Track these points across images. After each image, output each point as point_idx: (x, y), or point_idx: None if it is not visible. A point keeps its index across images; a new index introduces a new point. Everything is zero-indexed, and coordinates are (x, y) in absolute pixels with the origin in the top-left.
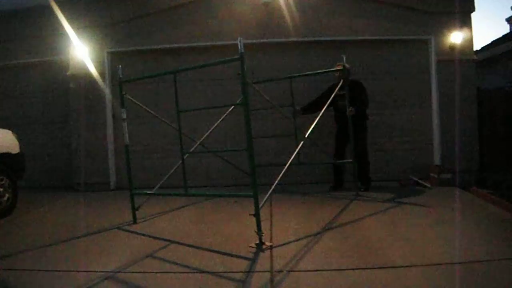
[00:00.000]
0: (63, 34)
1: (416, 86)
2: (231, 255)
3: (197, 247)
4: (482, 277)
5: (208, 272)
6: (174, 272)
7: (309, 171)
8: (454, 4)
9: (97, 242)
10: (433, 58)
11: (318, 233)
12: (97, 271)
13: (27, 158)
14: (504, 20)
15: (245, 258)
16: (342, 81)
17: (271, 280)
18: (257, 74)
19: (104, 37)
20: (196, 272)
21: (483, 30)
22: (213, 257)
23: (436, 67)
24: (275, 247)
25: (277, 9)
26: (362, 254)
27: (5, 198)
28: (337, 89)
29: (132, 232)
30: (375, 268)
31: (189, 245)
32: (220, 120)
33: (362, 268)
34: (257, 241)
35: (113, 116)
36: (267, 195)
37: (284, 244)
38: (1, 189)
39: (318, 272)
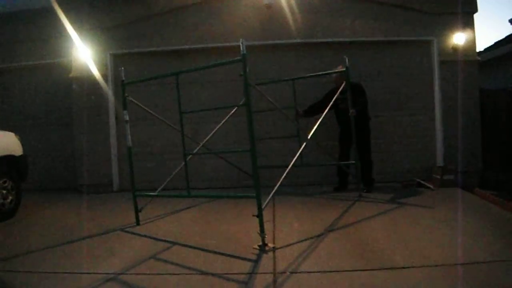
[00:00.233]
0: (66, 36)
1: (418, 87)
2: (234, 257)
3: (200, 249)
4: (485, 278)
5: (211, 273)
6: (177, 274)
7: (312, 172)
8: (456, 5)
9: (100, 244)
10: (436, 59)
11: (321, 234)
12: (100, 273)
13: (30, 160)
14: (507, 21)
15: (248, 260)
16: (343, 84)
17: (274, 282)
18: (259, 75)
19: (107, 39)
20: (199, 274)
21: (486, 32)
22: (217, 258)
23: (439, 68)
24: (278, 248)
25: (279, 11)
26: (364, 255)
27: (9, 200)
28: (338, 92)
29: (135, 234)
30: (377, 269)
31: (192, 247)
32: (223, 121)
33: (365, 270)
34: (260, 243)
35: (116, 118)
36: (270, 196)
37: (286, 246)
38: (5, 191)
39: (320, 273)
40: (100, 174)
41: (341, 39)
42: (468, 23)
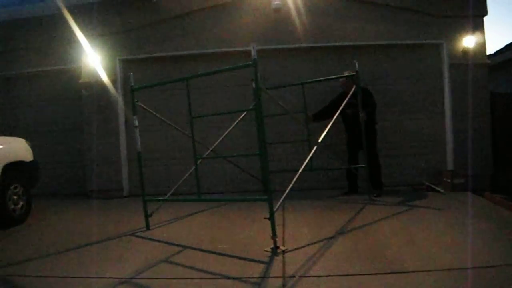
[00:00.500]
0: (75, 42)
1: (428, 91)
2: (247, 259)
3: (211, 252)
4: (496, 282)
5: (222, 277)
6: (187, 278)
7: (321, 177)
8: (466, 8)
9: (110, 249)
10: (445, 63)
11: (330, 238)
12: (110, 277)
13: (40, 166)
14: None
15: (261, 262)
16: (353, 88)
17: (283, 285)
18: (268, 80)
19: (116, 45)
20: (210, 278)
21: (496, 34)
22: (229, 262)
23: (448, 72)
24: (288, 251)
25: (288, 15)
26: (374, 259)
27: (19, 206)
28: (348, 96)
29: (145, 238)
30: (387, 273)
31: (202, 250)
32: (233, 125)
33: (374, 274)
34: (271, 245)
35: (126, 123)
36: (281, 200)
37: (296, 249)
38: (15, 197)
39: (329, 277)
40: (110, 179)
41: (349, 43)
42: (478, 26)
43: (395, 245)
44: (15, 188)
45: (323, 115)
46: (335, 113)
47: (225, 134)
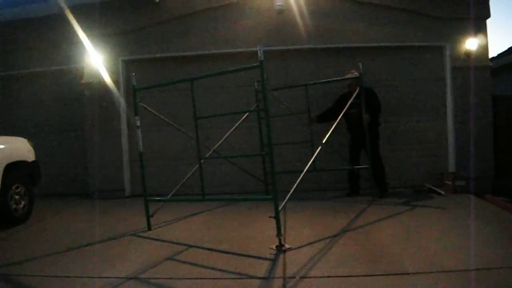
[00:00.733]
0: (78, 42)
1: (431, 93)
2: (253, 257)
3: (213, 250)
4: (497, 284)
5: (223, 278)
6: (188, 278)
7: (323, 178)
8: (469, 11)
9: (111, 249)
10: (448, 65)
11: (331, 239)
12: (111, 277)
13: (42, 166)
14: None
15: (267, 259)
16: (357, 89)
17: (284, 286)
18: (271, 81)
19: (118, 45)
20: (208, 279)
21: (499, 37)
22: (229, 263)
23: (451, 74)
24: (289, 251)
25: (291, 17)
26: (375, 260)
27: (21, 206)
28: (352, 97)
29: (146, 238)
30: (388, 274)
31: (204, 248)
32: (236, 125)
33: (375, 275)
34: (273, 245)
35: (128, 123)
36: (285, 200)
37: (298, 249)
38: (17, 197)
39: (330, 278)
40: (111, 179)
41: (352, 45)
42: (481, 29)
43: (396, 247)
44: (17, 188)
45: (329, 116)
46: (340, 114)
47: (227, 134)
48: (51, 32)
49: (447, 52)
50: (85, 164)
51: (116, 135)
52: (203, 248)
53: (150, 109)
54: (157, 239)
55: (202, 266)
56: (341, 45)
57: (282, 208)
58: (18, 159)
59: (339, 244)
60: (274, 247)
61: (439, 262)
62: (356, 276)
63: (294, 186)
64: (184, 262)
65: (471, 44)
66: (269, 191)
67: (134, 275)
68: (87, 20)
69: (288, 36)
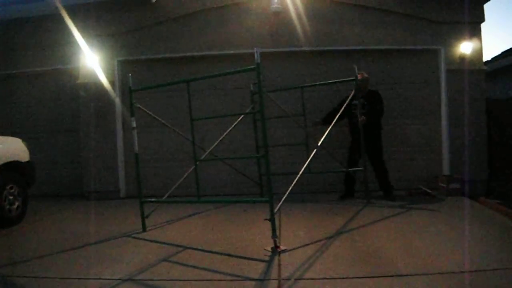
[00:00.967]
0: (74, 43)
1: (425, 96)
2: (248, 258)
3: (208, 251)
4: (490, 286)
5: (218, 279)
6: (183, 280)
7: (318, 180)
8: (464, 15)
9: (106, 250)
10: (442, 68)
11: (327, 240)
12: (105, 279)
13: (37, 167)
14: None
15: (262, 261)
16: (360, 91)
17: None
18: (267, 83)
19: (114, 45)
20: (203, 280)
21: (493, 41)
22: (224, 265)
23: (445, 77)
24: (284, 253)
25: (287, 19)
26: (369, 262)
27: (15, 206)
28: (352, 98)
29: (141, 239)
30: (382, 276)
31: (199, 250)
32: (232, 127)
33: (370, 277)
34: (268, 247)
35: (123, 124)
36: (281, 202)
37: (293, 251)
38: (11, 197)
39: (325, 280)
40: (107, 180)
41: (349, 47)
42: (475, 33)
43: (390, 249)
44: (11, 188)
45: (332, 119)
46: (343, 115)
47: (222, 136)
48: (47, 32)
49: (442, 56)
50: (81, 165)
51: (112, 135)
52: (198, 249)
53: (146, 110)
54: (152, 241)
55: (197, 268)
56: (337, 48)
57: (277, 210)
58: (12, 159)
59: (334, 246)
60: (269, 248)
61: (433, 263)
62: (351, 277)
63: (290, 188)
64: (179, 264)
65: (465, 47)
66: (265, 193)
67: (129, 277)
68: (84, 20)
69: (284, 38)
